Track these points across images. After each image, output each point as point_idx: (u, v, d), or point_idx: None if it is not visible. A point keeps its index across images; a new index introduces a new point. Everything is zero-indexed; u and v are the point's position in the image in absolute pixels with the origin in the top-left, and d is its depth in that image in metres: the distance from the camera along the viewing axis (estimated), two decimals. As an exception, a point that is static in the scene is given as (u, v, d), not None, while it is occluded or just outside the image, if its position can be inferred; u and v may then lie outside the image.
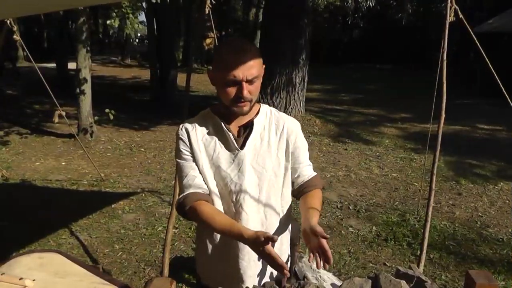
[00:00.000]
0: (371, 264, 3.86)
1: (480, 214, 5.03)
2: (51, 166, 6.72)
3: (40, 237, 4.46)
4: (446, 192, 5.71)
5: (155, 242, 4.37)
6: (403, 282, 1.54)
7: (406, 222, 4.71)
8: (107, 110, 7.30)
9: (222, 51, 1.65)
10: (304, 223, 1.61)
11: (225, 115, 1.77)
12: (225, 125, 1.75)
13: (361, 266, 3.84)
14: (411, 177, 6.30)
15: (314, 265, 1.79)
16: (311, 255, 1.58)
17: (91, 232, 4.61)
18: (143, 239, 4.47)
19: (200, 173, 1.74)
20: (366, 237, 4.41)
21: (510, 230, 4.62)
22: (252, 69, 1.60)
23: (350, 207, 5.16)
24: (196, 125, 1.80)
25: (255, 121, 1.77)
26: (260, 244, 1.48)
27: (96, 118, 8.10)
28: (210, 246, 1.85)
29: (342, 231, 4.54)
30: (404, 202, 5.34)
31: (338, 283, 1.88)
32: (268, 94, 8.95)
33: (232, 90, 1.63)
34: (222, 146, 1.76)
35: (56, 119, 5.62)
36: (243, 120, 1.78)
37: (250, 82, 1.62)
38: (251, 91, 1.64)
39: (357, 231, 4.54)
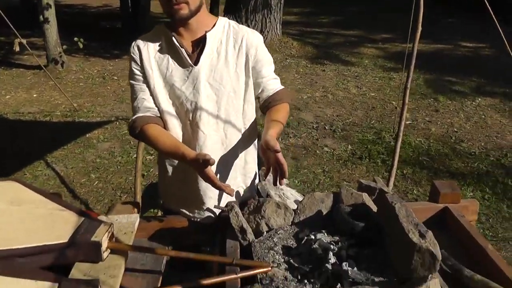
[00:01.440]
0: (345, 182, 3.91)
1: (456, 130, 5.07)
2: (22, 98, 6.51)
3: (15, 170, 4.41)
4: (423, 109, 5.72)
5: (130, 170, 4.34)
6: (365, 195, 1.53)
7: (382, 139, 4.73)
8: (76, 38, 6.96)
9: None
10: (262, 137, 1.56)
11: (176, 29, 1.66)
12: (176, 40, 1.63)
13: (335, 184, 3.89)
14: (389, 95, 6.26)
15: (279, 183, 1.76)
16: (266, 171, 1.56)
17: (67, 163, 4.57)
18: (119, 167, 4.45)
19: (152, 93, 1.67)
20: (341, 156, 4.44)
21: (483, 144, 4.69)
22: None
23: (326, 127, 5.16)
24: (148, 42, 1.69)
25: (208, 34, 1.66)
26: (200, 166, 1.45)
27: (64, 47, 7.75)
28: (169, 169, 1.81)
29: (317, 151, 4.56)
30: (381, 121, 5.34)
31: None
32: (243, 17, 8.61)
33: None
34: (175, 63, 1.66)
35: (17, 48, 5.33)
36: (197, 34, 1.67)
37: None
38: None
39: (332, 151, 4.56)
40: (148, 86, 1.67)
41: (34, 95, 6.63)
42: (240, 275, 1.28)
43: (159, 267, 1.59)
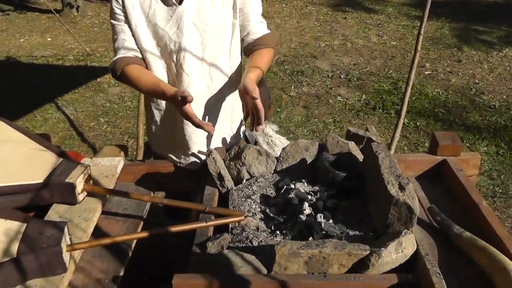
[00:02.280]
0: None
1: (477, 81, 4.83)
2: (36, 42, 6.48)
3: (27, 112, 4.44)
4: (445, 59, 5.44)
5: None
6: (352, 143, 1.44)
7: (398, 90, 4.54)
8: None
9: None
10: (241, 81, 1.47)
11: None
12: None
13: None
14: (410, 44, 5.97)
15: (267, 129, 1.69)
16: (246, 116, 1.49)
17: (77, 106, 4.57)
18: (128, 112, 4.42)
19: (134, 33, 1.60)
20: (354, 105, 4.30)
21: (504, 97, 4.46)
22: None
23: (342, 76, 4.97)
24: None
25: None
26: (179, 103, 1.38)
27: (80, -9, 7.62)
28: (156, 113, 1.75)
29: (330, 100, 4.42)
30: (399, 70, 5.11)
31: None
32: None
33: None
34: (159, 1, 1.57)
35: (25, -11, 5.24)
36: None
37: None
38: None
39: (345, 100, 4.41)
40: (130, 26, 1.59)
41: (48, 39, 6.59)
42: (210, 223, 1.22)
43: (141, 213, 1.55)
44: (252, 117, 1.46)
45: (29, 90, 4.89)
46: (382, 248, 1.00)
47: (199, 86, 1.63)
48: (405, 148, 3.63)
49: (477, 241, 1.25)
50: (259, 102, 1.41)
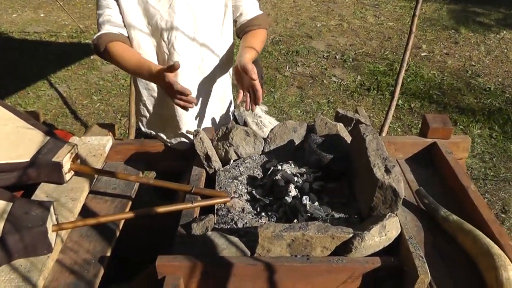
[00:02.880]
0: (349, 114, 3.78)
1: (473, 64, 4.80)
2: (29, 18, 6.37)
3: (19, 89, 4.39)
4: (442, 41, 5.40)
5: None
6: (340, 125, 1.43)
7: (393, 71, 4.51)
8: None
9: None
10: (237, 60, 1.46)
11: None
12: None
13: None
14: (407, 26, 5.88)
15: (257, 109, 1.67)
16: (240, 95, 1.46)
17: (70, 84, 4.52)
18: (121, 90, 4.38)
19: (122, 10, 1.55)
20: (349, 86, 4.27)
21: (500, 79, 4.44)
22: None
23: (337, 57, 4.93)
24: None
25: None
26: (164, 80, 1.35)
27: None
28: (145, 93, 1.74)
29: (325, 81, 4.39)
30: (395, 52, 5.08)
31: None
32: None
33: None
34: None
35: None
36: None
37: None
38: None
39: (340, 81, 4.39)
40: (118, 3, 1.54)
41: (41, 15, 6.48)
42: (195, 204, 1.22)
43: (129, 192, 1.55)
44: (249, 96, 1.45)
45: (21, 66, 4.82)
46: (365, 231, 1.00)
47: (190, 66, 1.61)
48: (399, 129, 3.63)
49: (463, 224, 1.25)
50: (257, 82, 1.40)
